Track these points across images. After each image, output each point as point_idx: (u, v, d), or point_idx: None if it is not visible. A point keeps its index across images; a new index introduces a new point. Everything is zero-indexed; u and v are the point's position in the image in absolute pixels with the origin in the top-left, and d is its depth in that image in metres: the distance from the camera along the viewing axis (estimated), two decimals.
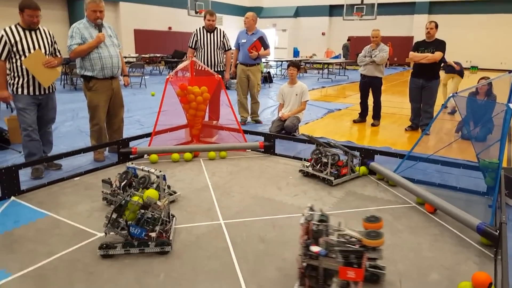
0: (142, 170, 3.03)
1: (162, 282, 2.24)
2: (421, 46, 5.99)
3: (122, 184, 3.06)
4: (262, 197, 3.47)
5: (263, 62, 13.59)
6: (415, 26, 22.49)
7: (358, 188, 3.71)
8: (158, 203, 2.54)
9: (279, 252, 2.56)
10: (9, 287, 2.17)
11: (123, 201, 2.50)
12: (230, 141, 4.97)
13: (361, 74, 6.69)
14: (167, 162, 4.42)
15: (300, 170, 4.04)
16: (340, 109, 8.20)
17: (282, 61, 17.35)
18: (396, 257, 2.52)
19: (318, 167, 3.91)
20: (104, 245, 2.47)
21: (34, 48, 3.72)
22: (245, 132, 4.99)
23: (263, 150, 4.75)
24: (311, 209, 2.17)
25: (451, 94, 3.50)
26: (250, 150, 4.84)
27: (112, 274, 2.30)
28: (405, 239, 2.76)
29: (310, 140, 4.16)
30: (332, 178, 3.71)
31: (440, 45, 5.84)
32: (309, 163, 4.01)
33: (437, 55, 5.78)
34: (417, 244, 2.69)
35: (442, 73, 6.36)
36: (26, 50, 3.68)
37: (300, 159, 4.49)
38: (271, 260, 2.48)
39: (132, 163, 3.15)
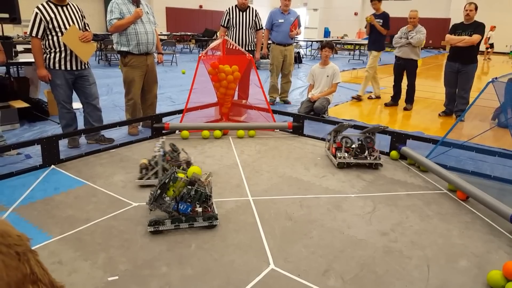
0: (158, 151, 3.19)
1: (193, 252, 2.33)
2: (458, 29, 5.74)
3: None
4: (290, 176, 3.50)
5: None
6: (452, 8, 21.45)
7: (388, 172, 3.68)
8: (202, 179, 2.60)
9: (306, 230, 2.60)
10: (51, 248, 2.32)
11: (169, 178, 2.47)
12: (259, 121, 4.99)
13: (396, 56, 6.51)
14: (197, 138, 4.50)
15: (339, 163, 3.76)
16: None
17: (312, 41, 17.04)
18: (425, 242, 2.51)
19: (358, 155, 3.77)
20: (153, 222, 2.48)
21: (69, 24, 3.76)
22: (274, 112, 4.99)
23: (291, 130, 4.75)
24: None
25: (490, 79, 3.37)
26: (278, 130, 4.86)
27: (145, 242, 2.41)
28: (434, 225, 2.73)
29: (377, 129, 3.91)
30: (380, 161, 3.72)
31: (478, 28, 5.57)
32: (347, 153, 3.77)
33: (475, 38, 5.52)
34: (446, 231, 2.66)
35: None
36: (62, 26, 3.73)
37: None
38: (298, 237, 2.52)
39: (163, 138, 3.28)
